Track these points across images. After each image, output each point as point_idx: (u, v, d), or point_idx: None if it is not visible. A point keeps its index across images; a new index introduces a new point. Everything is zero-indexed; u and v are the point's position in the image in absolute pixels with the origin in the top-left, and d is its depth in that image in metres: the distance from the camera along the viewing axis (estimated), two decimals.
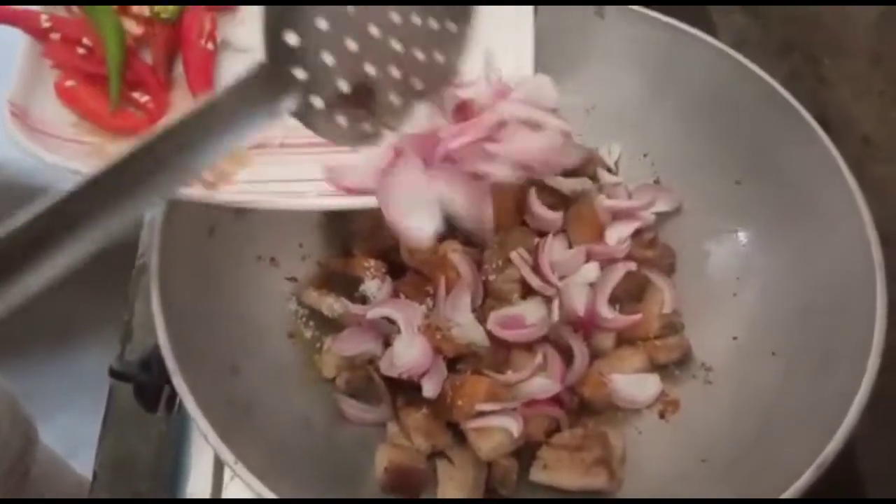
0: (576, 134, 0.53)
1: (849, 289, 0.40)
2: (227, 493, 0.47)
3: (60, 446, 1.02)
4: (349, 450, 0.42)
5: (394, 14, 0.32)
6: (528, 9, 0.44)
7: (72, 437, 1.02)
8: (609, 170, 0.52)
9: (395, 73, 0.33)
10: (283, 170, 0.40)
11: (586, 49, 0.50)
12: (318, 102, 0.31)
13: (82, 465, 1.05)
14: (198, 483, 0.49)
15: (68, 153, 0.37)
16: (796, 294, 0.43)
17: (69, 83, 0.41)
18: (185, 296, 0.41)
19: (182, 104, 0.42)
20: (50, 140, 0.38)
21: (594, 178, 0.52)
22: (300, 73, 0.30)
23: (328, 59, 0.31)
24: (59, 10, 0.43)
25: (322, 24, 0.30)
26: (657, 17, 0.49)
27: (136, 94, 0.42)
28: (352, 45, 0.31)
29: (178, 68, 0.43)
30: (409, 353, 0.41)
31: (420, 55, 0.34)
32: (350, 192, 0.37)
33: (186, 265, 0.42)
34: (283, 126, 0.35)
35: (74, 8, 0.43)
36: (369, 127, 0.34)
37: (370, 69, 0.32)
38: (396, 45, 0.33)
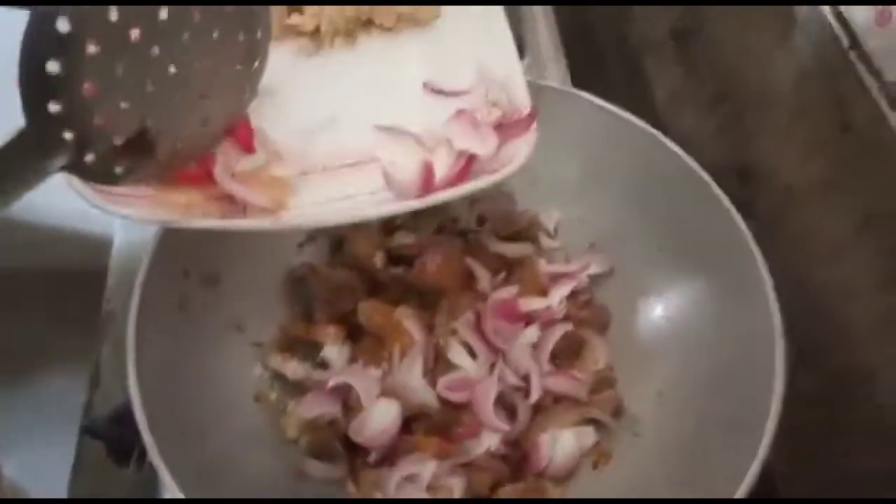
0: (520, 202, 0.58)
1: (754, 355, 0.45)
2: None
3: (25, 479, 1.02)
4: None
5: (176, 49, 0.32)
6: (498, 8, 0.47)
7: (37, 470, 1.02)
8: (549, 234, 0.57)
9: (176, 121, 0.34)
10: (337, 187, 0.41)
11: None
12: (90, 158, 0.31)
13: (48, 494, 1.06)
14: None
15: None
16: (710, 356, 0.49)
17: None
18: (157, 363, 0.44)
19: None
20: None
21: (535, 241, 0.56)
22: (68, 135, 0.30)
23: (98, 120, 0.30)
24: None
25: (87, 87, 0.29)
26: (593, 101, 0.54)
27: None
28: (124, 104, 0.31)
29: None
30: (380, 423, 0.46)
31: (204, 96, 0.35)
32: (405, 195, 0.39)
33: (158, 338, 0.45)
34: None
35: None
36: (151, 167, 0.35)
37: (148, 121, 0.32)
38: (175, 96, 0.33)
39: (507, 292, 0.51)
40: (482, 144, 0.41)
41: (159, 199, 0.38)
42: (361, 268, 0.54)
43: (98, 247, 0.68)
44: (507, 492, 0.46)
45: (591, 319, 0.53)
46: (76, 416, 0.59)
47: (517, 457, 0.48)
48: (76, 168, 0.31)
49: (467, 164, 0.41)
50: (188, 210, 0.37)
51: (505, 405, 0.49)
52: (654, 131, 0.52)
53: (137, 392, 0.41)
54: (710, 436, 0.47)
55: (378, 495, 0.45)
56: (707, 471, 0.45)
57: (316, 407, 0.48)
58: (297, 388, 0.50)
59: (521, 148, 0.42)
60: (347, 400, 0.48)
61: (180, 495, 0.38)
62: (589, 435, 0.50)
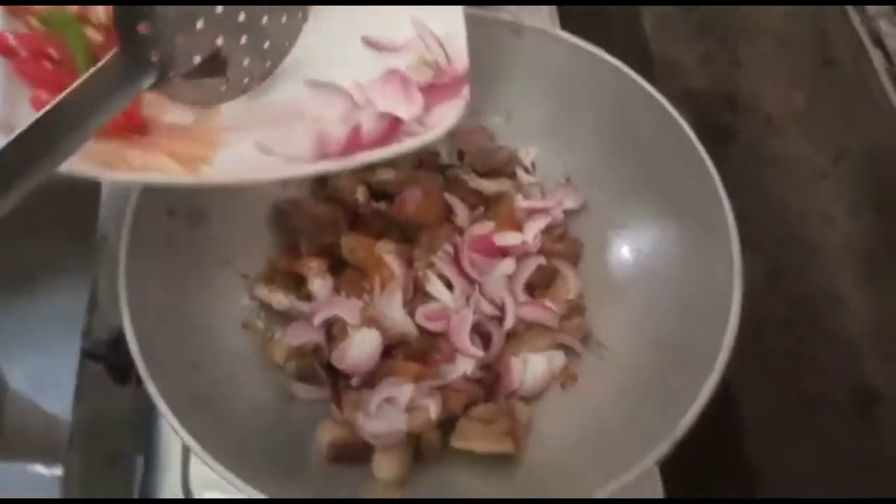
0: (499, 138, 0.59)
1: (714, 293, 0.47)
2: None
3: (30, 389, 1.05)
4: (299, 426, 0.49)
5: None
6: None
7: (41, 380, 1.06)
8: (526, 170, 0.58)
9: (244, 40, 0.39)
10: (264, 143, 0.42)
11: (504, 66, 0.56)
12: (174, 76, 0.36)
13: (52, 405, 1.10)
14: (171, 439, 0.54)
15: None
16: (674, 290, 0.52)
17: (45, 97, 0.44)
18: (149, 300, 0.47)
19: (150, 97, 0.44)
20: None
21: (513, 176, 0.58)
22: (154, 56, 0.35)
23: (179, 39, 0.36)
24: (21, 28, 0.46)
25: (170, 12, 0.35)
26: (567, 39, 0.54)
27: None
28: (200, 24, 0.36)
29: None
30: (361, 351, 0.49)
31: (265, 20, 0.40)
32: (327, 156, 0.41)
33: (149, 274, 0.47)
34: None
35: (34, 23, 0.46)
36: (225, 87, 0.40)
37: (220, 41, 0.38)
38: (241, 17, 0.38)
39: (484, 227, 0.54)
40: (406, 108, 0.42)
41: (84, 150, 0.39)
42: (344, 202, 0.56)
43: None
44: (479, 411, 0.49)
45: (564, 252, 0.56)
46: (77, 329, 0.62)
47: (491, 379, 0.52)
48: (162, 86, 0.36)
49: (392, 127, 0.42)
50: (110, 162, 0.38)
51: (480, 333, 0.52)
52: (630, 72, 0.53)
53: (131, 328, 0.44)
54: (669, 361, 0.50)
55: (360, 415, 0.49)
56: (665, 392, 0.48)
57: (301, 335, 0.51)
58: (283, 317, 0.53)
59: (450, 112, 0.43)
60: (331, 329, 0.51)
61: (180, 429, 0.42)
62: (558, 358, 0.53)
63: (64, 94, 0.32)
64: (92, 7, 0.48)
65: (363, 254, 0.53)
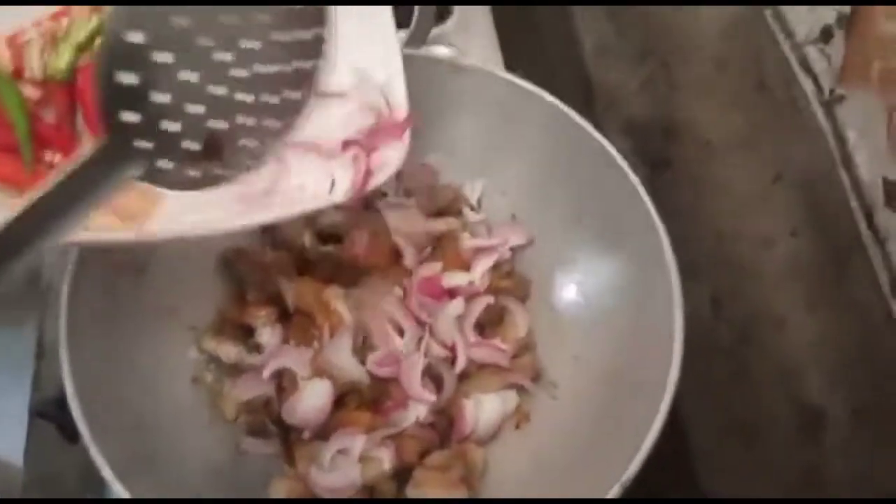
0: (443, 175, 0.59)
1: (658, 323, 0.48)
2: None
3: None
4: (252, 481, 0.49)
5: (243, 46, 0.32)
6: (386, 9, 0.48)
7: None
8: (472, 208, 0.59)
9: (244, 120, 0.34)
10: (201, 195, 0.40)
11: (445, 103, 0.56)
12: (165, 165, 0.32)
13: (4, 458, 1.07)
14: None
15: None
16: (620, 322, 0.52)
17: None
18: (91, 357, 0.46)
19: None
20: None
21: (459, 214, 0.59)
22: (144, 144, 0.31)
23: (172, 126, 0.32)
24: None
25: (161, 98, 0.31)
26: (505, 77, 0.56)
27: (47, 154, 0.45)
28: (197, 108, 0.32)
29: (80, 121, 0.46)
30: (312, 404, 0.48)
31: (270, 98, 0.35)
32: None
33: (91, 329, 0.47)
34: None
35: None
36: (222, 171, 0.35)
37: (218, 124, 0.33)
38: (243, 97, 0.33)
39: (431, 269, 0.54)
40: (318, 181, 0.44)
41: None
42: (291, 247, 0.56)
43: None
44: (433, 459, 0.49)
45: (512, 289, 0.56)
46: (27, 381, 0.60)
47: (445, 424, 0.52)
48: (152, 177, 0.32)
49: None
50: None
51: (432, 376, 0.52)
52: (566, 108, 0.54)
53: (73, 389, 0.43)
54: (619, 394, 0.51)
55: (313, 469, 0.48)
56: (618, 426, 0.49)
57: (250, 389, 0.50)
58: (233, 370, 0.52)
59: (393, 155, 0.43)
60: (281, 381, 0.51)
61: (117, 484, 0.41)
62: (511, 398, 0.53)
63: (40, 191, 0.29)
64: (26, 64, 0.47)
65: (310, 300, 0.53)
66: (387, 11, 0.48)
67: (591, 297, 0.55)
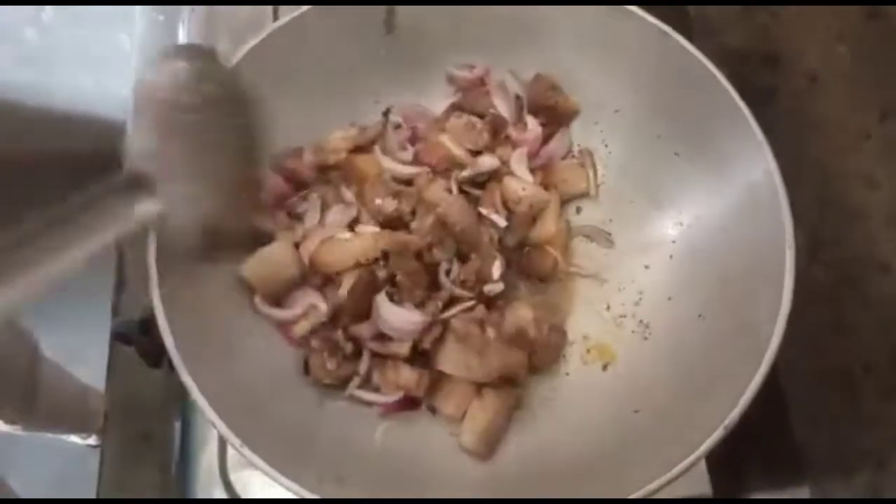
0: None
1: (762, 259, 0.46)
2: None
3: (59, 357, 1.05)
4: (344, 419, 0.49)
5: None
6: None
7: (70, 348, 1.06)
8: None
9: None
10: None
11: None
12: None
13: (82, 374, 1.11)
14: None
15: None
16: (719, 260, 0.49)
17: None
18: (179, 283, 0.46)
19: None
20: None
21: None
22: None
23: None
24: None
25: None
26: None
27: None
28: None
29: None
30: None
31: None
32: None
33: (180, 262, 0.46)
34: None
35: None
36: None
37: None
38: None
39: None
40: None
41: None
42: None
43: (110, 129, 0.66)
44: None
45: None
46: (106, 308, 0.61)
47: None
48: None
49: None
50: None
51: None
52: (674, 33, 0.50)
53: (166, 325, 0.43)
54: (718, 338, 0.48)
55: None
56: (714, 370, 0.46)
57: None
58: None
59: None
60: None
61: (218, 422, 0.41)
62: None
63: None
64: None
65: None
66: None
67: (690, 237, 0.52)
